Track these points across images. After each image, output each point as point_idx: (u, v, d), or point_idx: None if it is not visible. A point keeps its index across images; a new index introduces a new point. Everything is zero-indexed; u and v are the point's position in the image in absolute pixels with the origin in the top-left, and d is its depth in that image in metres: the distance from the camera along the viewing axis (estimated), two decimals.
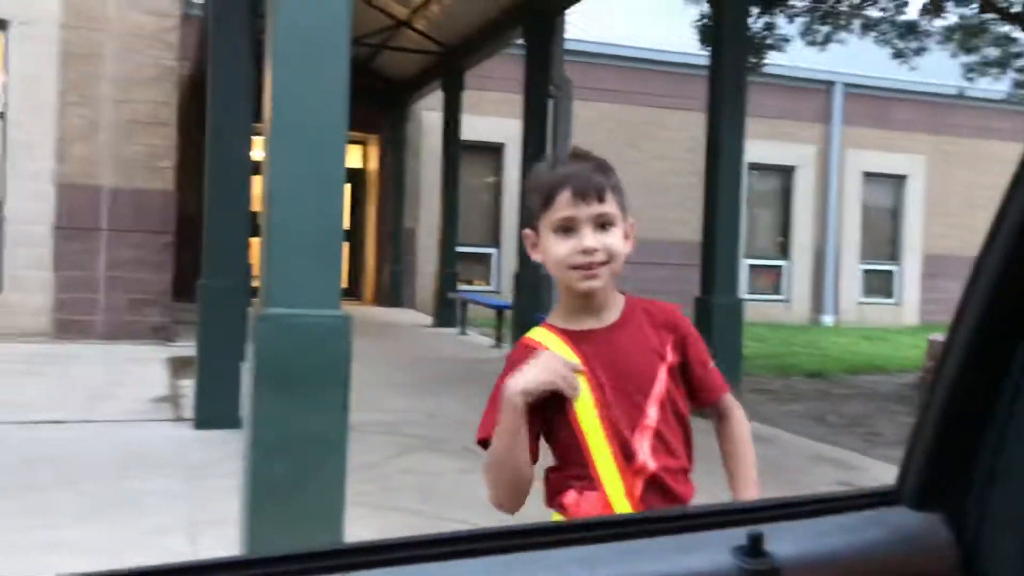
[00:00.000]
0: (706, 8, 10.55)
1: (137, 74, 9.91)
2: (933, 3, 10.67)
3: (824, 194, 18.11)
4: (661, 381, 1.63)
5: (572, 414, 1.60)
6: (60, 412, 6.31)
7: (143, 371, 8.14)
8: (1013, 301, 0.83)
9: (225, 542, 3.74)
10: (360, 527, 4.00)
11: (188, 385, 6.87)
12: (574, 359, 1.62)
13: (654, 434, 1.61)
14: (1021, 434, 0.83)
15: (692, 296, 7.42)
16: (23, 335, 9.52)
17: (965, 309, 0.85)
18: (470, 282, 15.66)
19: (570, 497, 1.61)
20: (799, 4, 11.12)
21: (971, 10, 10.79)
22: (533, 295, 9.47)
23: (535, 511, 1.56)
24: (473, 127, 14.78)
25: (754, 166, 16.99)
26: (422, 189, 15.73)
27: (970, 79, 11.79)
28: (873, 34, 11.46)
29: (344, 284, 15.77)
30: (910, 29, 11.23)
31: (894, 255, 18.93)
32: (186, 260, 10.77)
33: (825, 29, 11.29)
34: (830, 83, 17.98)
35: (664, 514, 0.86)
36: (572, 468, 1.62)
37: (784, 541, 0.81)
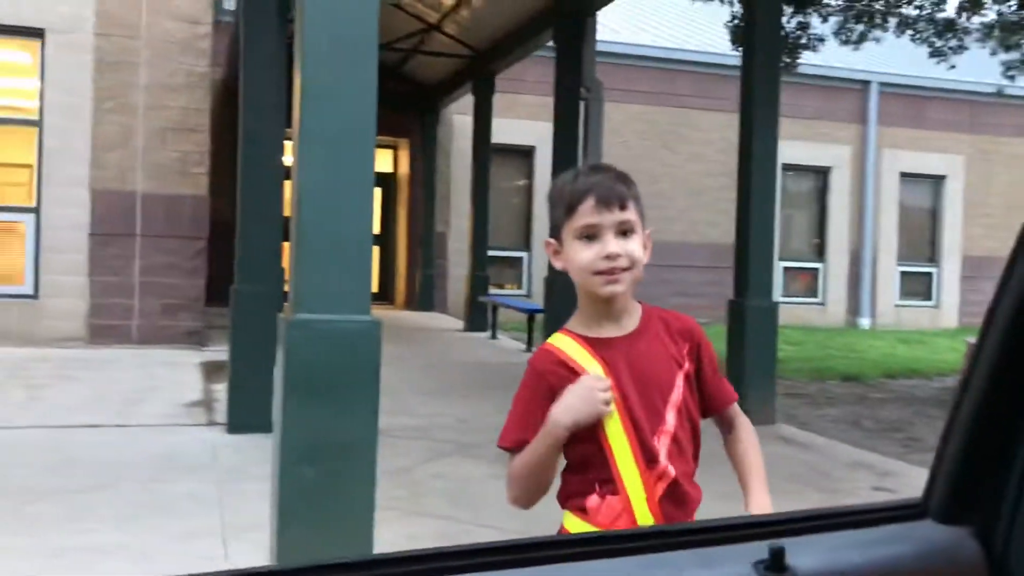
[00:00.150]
0: (738, 8, 10.49)
1: (170, 81, 10.02)
2: (971, 0, 10.50)
3: (860, 195, 17.90)
4: (679, 388, 1.69)
5: (599, 423, 1.64)
6: (95, 416, 6.39)
7: (177, 376, 8.22)
8: None
9: (257, 547, 3.76)
10: (391, 532, 4.00)
11: (221, 389, 6.93)
12: (597, 368, 1.67)
13: (672, 439, 1.67)
14: None
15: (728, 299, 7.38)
16: (59, 340, 9.65)
17: (996, 313, 0.83)
18: (501, 286, 15.66)
19: (592, 501, 1.65)
20: (833, 3, 11.01)
21: (1010, 7, 10.61)
22: (564, 299, 9.40)
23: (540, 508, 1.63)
24: (504, 130, 14.79)
25: (789, 167, 16.86)
26: (453, 193, 15.76)
27: (1010, 77, 11.58)
28: (909, 32, 11.31)
29: (375, 288, 15.91)
30: (947, 27, 11.06)
31: (932, 257, 18.67)
32: (219, 265, 10.85)
33: (860, 28, 11.16)
34: (866, 83, 17.78)
35: (686, 527, 0.85)
36: (594, 472, 1.66)
37: (806, 556, 0.79)
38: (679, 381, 1.69)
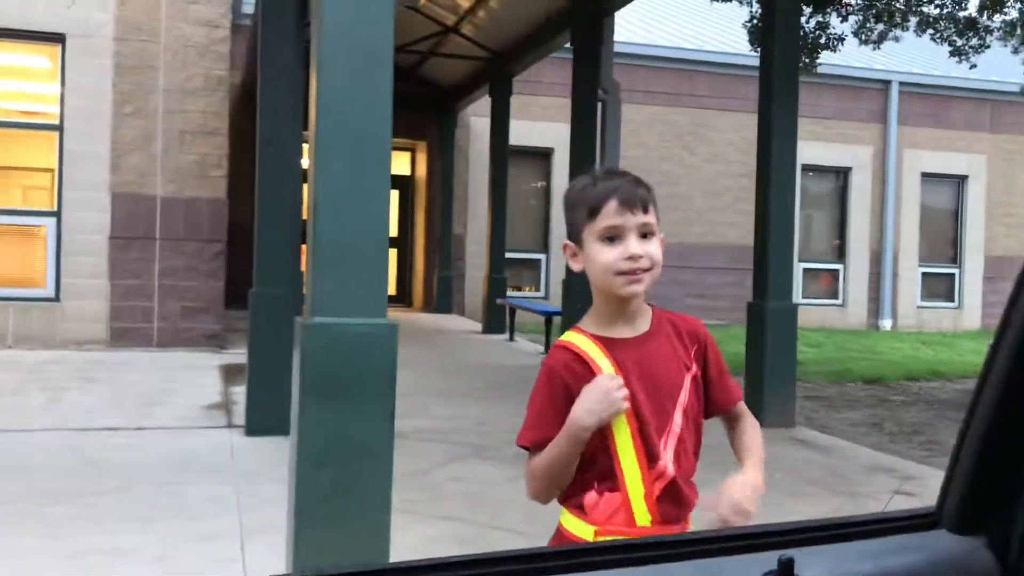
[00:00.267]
0: (757, 8, 10.43)
1: (189, 84, 10.08)
2: None
3: (881, 196, 17.78)
4: (686, 390, 1.74)
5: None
6: (115, 419, 6.43)
7: (196, 378, 8.26)
8: None
9: (274, 549, 3.77)
10: (408, 535, 4.00)
11: (240, 392, 6.96)
12: (610, 367, 1.71)
13: (678, 440, 1.72)
14: None
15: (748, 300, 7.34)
16: (79, 343, 9.74)
17: (1010, 318, 0.81)
18: (519, 288, 15.65)
19: (590, 498, 1.70)
20: (853, 2, 10.92)
21: None
22: (582, 301, 9.36)
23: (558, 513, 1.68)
24: (522, 132, 14.79)
25: (809, 167, 16.78)
26: (471, 195, 15.77)
27: None
28: (930, 31, 11.21)
29: (393, 290, 15.95)
30: (969, 25, 10.96)
31: (955, 257, 18.52)
32: (238, 268, 10.92)
33: (879, 27, 11.07)
34: (886, 82, 17.66)
35: (695, 537, 0.84)
36: (595, 469, 1.70)
37: (816, 566, 0.77)
38: (687, 383, 1.74)
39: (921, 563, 0.80)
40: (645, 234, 1.71)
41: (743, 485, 1.67)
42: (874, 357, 12.31)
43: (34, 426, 6.15)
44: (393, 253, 15.92)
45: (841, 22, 11.04)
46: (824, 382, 9.89)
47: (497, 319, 13.06)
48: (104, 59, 9.84)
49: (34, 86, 10.98)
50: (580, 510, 1.71)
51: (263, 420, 6.02)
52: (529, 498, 1.77)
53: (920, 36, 11.42)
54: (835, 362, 11.43)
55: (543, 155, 15.97)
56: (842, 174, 17.75)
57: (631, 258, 1.68)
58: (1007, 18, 11.05)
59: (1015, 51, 11.36)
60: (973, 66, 11.52)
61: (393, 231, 15.52)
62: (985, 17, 10.82)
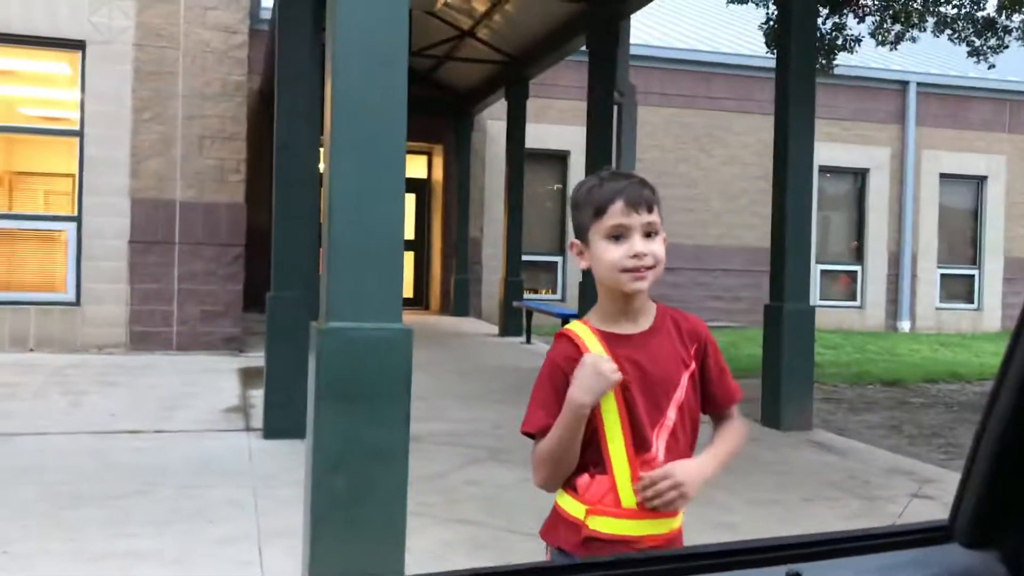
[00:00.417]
0: (773, 10, 10.40)
1: (208, 90, 10.14)
2: None
3: (899, 197, 17.67)
4: (683, 387, 1.81)
5: (596, 409, 1.75)
6: (135, 422, 6.47)
7: (215, 381, 8.30)
8: None
9: (291, 552, 3.79)
10: (424, 539, 4.01)
11: (258, 395, 6.99)
12: (602, 353, 1.77)
13: (671, 433, 1.78)
14: None
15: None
16: (100, 346, 9.81)
17: None
18: (535, 291, 15.65)
19: (583, 480, 1.78)
20: (869, 3, 10.86)
21: None
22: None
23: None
24: (538, 135, 14.79)
25: (826, 169, 16.70)
26: (487, 198, 15.78)
27: None
28: (948, 32, 11.13)
29: (410, 293, 15.98)
30: (987, 25, 10.88)
31: (974, 259, 18.38)
32: (257, 272, 10.97)
33: (896, 28, 11.00)
34: (904, 83, 17.56)
35: (702, 551, 0.83)
36: (589, 454, 1.77)
37: None
38: (684, 380, 1.81)
39: None
40: (649, 233, 1.77)
41: (688, 464, 1.74)
42: (892, 359, 12.23)
43: (55, 429, 6.20)
44: (410, 256, 15.94)
45: (858, 23, 10.98)
46: (842, 384, 9.84)
47: (514, 322, 13.07)
48: (124, 65, 9.91)
49: (55, 92, 11.08)
50: (574, 491, 1.79)
51: (281, 423, 6.04)
52: (536, 486, 1.83)
53: (938, 36, 11.35)
54: (853, 364, 11.36)
55: (559, 158, 15.96)
56: (860, 175, 17.66)
57: (636, 256, 1.74)
58: None
59: None
60: (992, 66, 11.44)
61: (410, 234, 15.55)
62: (1003, 17, 10.73)
